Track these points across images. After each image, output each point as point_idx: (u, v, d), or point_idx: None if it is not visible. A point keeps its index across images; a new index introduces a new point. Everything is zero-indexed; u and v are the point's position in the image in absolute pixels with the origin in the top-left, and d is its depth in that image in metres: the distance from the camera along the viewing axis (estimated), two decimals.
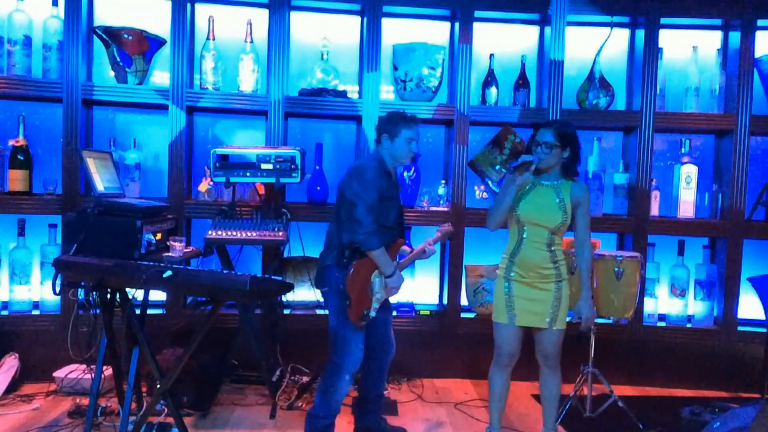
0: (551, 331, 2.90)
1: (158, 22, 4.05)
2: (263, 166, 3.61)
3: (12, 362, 3.69)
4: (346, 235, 2.94)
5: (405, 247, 3.27)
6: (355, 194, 2.90)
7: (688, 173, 4.20)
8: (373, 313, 3.01)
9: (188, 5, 3.98)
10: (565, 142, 2.86)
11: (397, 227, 3.13)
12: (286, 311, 4.00)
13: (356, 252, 2.93)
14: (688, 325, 4.25)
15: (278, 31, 4.02)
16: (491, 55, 4.26)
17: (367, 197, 2.88)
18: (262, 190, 3.92)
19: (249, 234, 3.45)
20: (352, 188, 2.92)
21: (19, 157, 3.80)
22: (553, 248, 2.88)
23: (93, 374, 2.93)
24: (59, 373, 3.68)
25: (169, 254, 3.11)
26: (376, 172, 2.95)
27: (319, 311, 3.97)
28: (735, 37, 4.19)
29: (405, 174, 4.18)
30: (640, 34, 4.22)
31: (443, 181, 4.29)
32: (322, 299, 3.13)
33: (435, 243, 3.32)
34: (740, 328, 4.17)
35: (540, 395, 3.08)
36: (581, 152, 2.98)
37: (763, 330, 3.88)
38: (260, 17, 4.12)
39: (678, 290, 4.22)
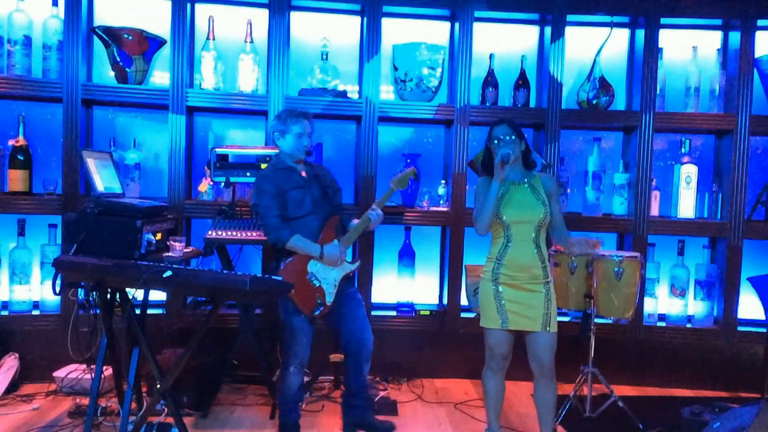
0: (546, 334, 2.84)
1: (158, 22, 4.05)
2: (263, 166, 3.61)
3: (12, 362, 3.69)
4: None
5: (354, 220, 3.32)
6: (253, 205, 3.15)
7: (688, 173, 4.20)
8: (329, 299, 3.11)
9: (188, 5, 3.98)
10: (519, 133, 2.93)
11: (321, 209, 3.17)
12: None
13: (286, 251, 3.09)
14: (688, 325, 4.25)
15: (278, 31, 4.02)
16: (491, 55, 4.26)
17: (261, 202, 3.10)
18: None
19: (249, 234, 3.46)
20: (252, 199, 3.17)
21: (19, 157, 3.80)
22: (540, 246, 2.89)
23: (93, 374, 2.93)
24: (59, 373, 3.68)
25: (169, 254, 3.11)
26: (266, 174, 3.18)
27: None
28: (735, 37, 4.19)
29: None
30: (640, 34, 4.21)
31: (443, 181, 4.29)
32: None
33: (382, 204, 3.25)
34: (740, 328, 4.17)
35: (535, 404, 2.99)
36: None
37: (763, 330, 3.88)
38: (260, 17, 4.12)
39: (678, 290, 4.22)
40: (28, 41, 3.81)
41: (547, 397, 2.92)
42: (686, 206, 4.21)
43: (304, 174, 3.22)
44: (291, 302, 3.06)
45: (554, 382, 2.92)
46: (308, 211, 3.14)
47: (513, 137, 2.89)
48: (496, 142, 2.90)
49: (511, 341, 2.94)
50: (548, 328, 2.85)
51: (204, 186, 4.10)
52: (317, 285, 3.09)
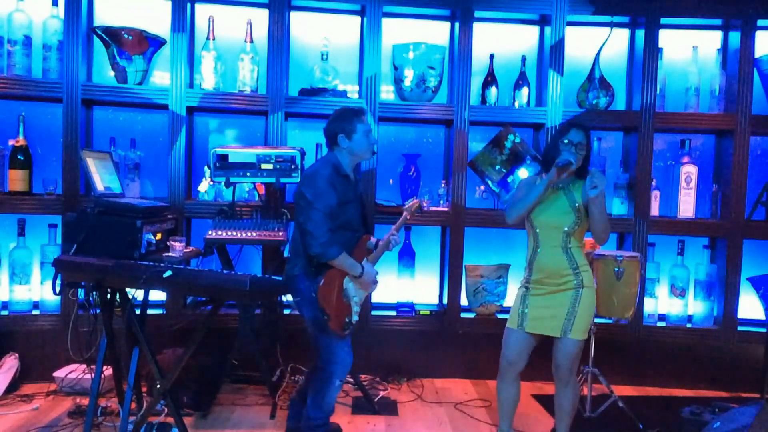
0: (565, 339, 2.82)
1: (158, 22, 4.05)
2: (263, 166, 3.61)
3: (12, 362, 3.69)
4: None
5: (372, 239, 3.15)
6: (308, 204, 2.81)
7: (688, 173, 4.20)
8: (355, 318, 2.97)
9: (188, 5, 3.98)
10: (589, 142, 2.89)
11: (363, 227, 3.07)
12: (286, 311, 4.00)
13: (319, 263, 2.86)
14: (688, 325, 4.25)
15: (278, 31, 4.02)
16: (491, 55, 4.26)
17: (321, 207, 2.79)
18: (262, 190, 3.92)
19: (249, 234, 3.45)
20: (306, 198, 2.83)
21: (19, 157, 3.80)
22: (570, 251, 2.83)
23: (93, 374, 2.93)
24: (59, 373, 3.68)
25: (169, 254, 3.10)
26: (330, 179, 2.87)
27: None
28: (735, 37, 4.19)
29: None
30: (640, 34, 4.21)
31: (443, 181, 4.29)
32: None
33: (399, 229, 3.14)
34: (740, 328, 4.17)
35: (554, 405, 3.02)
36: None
37: (763, 330, 3.88)
38: (260, 17, 4.12)
39: (678, 290, 4.22)
40: (28, 41, 3.81)
41: (562, 401, 2.94)
42: (686, 206, 4.21)
43: (354, 185, 3.03)
44: (321, 321, 2.85)
45: (571, 389, 2.91)
46: (353, 227, 2.97)
47: (583, 146, 2.83)
48: (566, 142, 2.84)
49: (523, 347, 2.91)
50: (568, 335, 2.82)
51: (204, 186, 4.10)
52: (347, 303, 2.94)
